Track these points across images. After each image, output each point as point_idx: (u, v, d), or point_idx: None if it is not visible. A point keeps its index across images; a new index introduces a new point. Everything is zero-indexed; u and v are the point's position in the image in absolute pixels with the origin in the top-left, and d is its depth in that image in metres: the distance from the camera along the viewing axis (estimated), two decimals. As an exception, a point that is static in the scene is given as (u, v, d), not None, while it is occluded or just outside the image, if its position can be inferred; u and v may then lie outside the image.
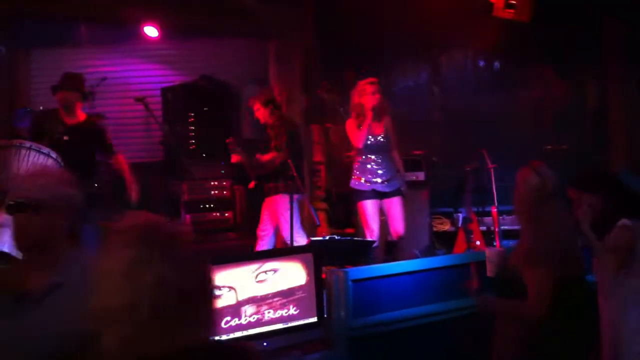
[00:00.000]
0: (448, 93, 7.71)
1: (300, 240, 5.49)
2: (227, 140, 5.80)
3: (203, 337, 1.41)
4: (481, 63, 7.71)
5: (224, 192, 7.09)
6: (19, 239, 2.02)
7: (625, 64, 7.25)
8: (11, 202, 1.99)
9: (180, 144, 6.92)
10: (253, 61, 7.99)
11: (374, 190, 5.43)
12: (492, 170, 6.23)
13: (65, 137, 5.00)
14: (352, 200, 5.64)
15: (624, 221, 3.09)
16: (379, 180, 5.45)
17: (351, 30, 7.16)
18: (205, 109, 7.44)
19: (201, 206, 6.90)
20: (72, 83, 5.11)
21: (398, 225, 5.52)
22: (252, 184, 5.92)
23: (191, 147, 7.23)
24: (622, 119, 7.25)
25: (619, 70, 7.31)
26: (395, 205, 5.52)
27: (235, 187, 7.10)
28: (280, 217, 5.64)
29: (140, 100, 5.04)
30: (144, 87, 6.90)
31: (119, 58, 7.88)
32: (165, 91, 7.62)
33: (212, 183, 7.06)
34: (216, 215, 6.96)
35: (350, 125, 5.52)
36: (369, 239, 5.30)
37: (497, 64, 7.71)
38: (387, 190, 5.49)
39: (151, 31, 7.11)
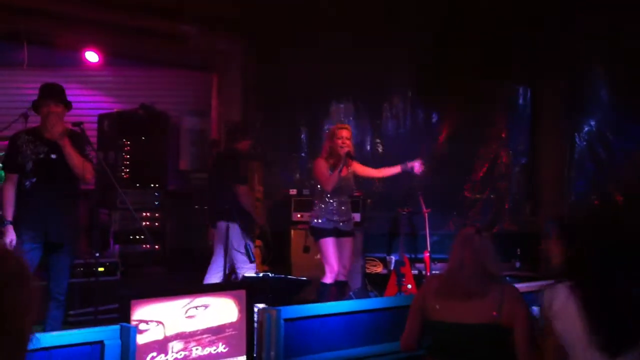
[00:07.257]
0: (385, 139, 7.83)
1: (246, 268, 5.42)
2: None
3: None
4: (420, 112, 7.87)
5: (155, 224, 6.92)
6: None
7: (557, 121, 7.55)
8: None
9: (113, 172, 6.75)
10: (195, 93, 7.96)
11: (335, 228, 5.52)
12: (426, 214, 6.35)
13: (53, 156, 4.58)
14: (313, 238, 5.64)
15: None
16: (340, 219, 5.55)
17: (293, 68, 7.23)
18: (142, 138, 7.32)
19: (131, 237, 6.71)
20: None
21: (348, 262, 5.68)
22: None
23: (124, 176, 7.07)
24: (551, 175, 7.52)
25: (550, 127, 7.61)
26: (348, 244, 5.66)
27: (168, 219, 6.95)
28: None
29: (77, 125, 4.83)
30: (81, 112, 6.73)
31: (57, 81, 7.68)
32: (102, 118, 7.47)
33: (144, 214, 6.89)
34: (146, 247, 6.76)
35: (319, 165, 5.53)
36: (328, 275, 5.40)
37: (435, 115, 7.88)
38: (346, 229, 5.62)
39: (92, 56, 7.00)
